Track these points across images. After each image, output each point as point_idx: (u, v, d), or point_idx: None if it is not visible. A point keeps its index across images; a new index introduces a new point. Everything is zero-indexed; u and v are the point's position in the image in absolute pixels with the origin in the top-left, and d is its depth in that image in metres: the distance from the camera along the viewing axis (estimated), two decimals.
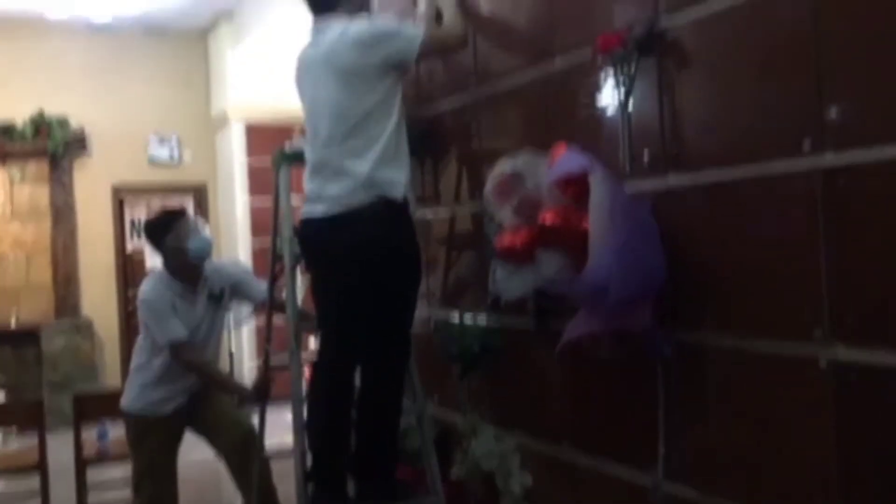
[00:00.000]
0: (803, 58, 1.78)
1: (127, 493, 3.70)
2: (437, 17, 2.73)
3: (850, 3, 1.70)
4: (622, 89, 2.21)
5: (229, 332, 5.33)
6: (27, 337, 7.55)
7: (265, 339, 3.47)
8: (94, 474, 4.35)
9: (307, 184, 2.69)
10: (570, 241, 2.10)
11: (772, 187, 1.87)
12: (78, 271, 7.93)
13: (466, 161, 3.05)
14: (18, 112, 7.66)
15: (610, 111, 2.31)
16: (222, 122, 8.07)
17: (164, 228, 3.46)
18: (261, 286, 3.52)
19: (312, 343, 4.18)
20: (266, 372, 3.43)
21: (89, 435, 4.42)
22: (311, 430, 2.72)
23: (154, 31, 8.02)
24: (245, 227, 7.87)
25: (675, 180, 2.12)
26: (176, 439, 3.53)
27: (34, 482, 4.21)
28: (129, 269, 8.22)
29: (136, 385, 3.48)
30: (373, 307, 2.60)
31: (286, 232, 2.97)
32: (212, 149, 8.41)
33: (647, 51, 2.14)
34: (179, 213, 3.61)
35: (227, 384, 3.79)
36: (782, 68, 1.84)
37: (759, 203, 1.91)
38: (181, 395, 3.45)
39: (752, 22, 1.91)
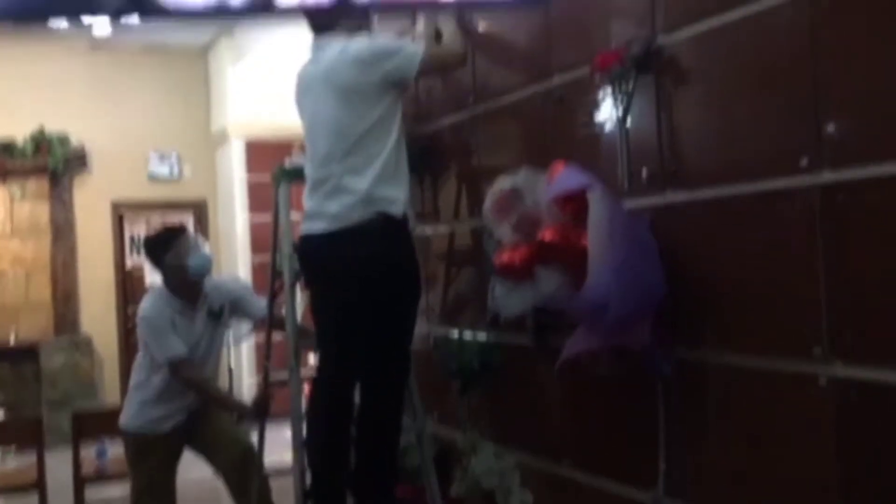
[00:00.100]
0: (800, 75, 1.79)
1: None
2: (437, 35, 2.74)
3: (846, 22, 1.71)
4: (620, 107, 2.22)
5: (228, 349, 5.33)
6: (26, 354, 7.53)
7: (264, 355, 3.47)
8: (92, 493, 4.33)
9: (307, 201, 2.69)
10: (570, 258, 2.10)
11: (770, 204, 1.88)
12: (77, 288, 7.92)
13: (466, 178, 3.06)
14: (19, 129, 7.68)
15: (608, 128, 2.32)
16: (222, 138, 8.09)
17: (163, 246, 3.46)
18: (260, 303, 3.52)
19: (312, 359, 4.17)
20: (265, 389, 3.42)
21: (88, 453, 4.40)
22: (311, 447, 2.71)
23: (154, 49, 8.05)
24: (245, 243, 7.87)
25: (673, 197, 2.13)
26: (175, 457, 3.52)
27: (33, 501, 4.18)
28: (128, 286, 8.21)
29: (135, 403, 3.47)
30: (372, 324, 2.60)
31: (286, 248, 2.98)
32: (212, 165, 8.42)
33: (645, 68, 2.15)
34: (179, 231, 3.62)
35: (226, 402, 3.79)
36: (779, 86, 1.85)
37: (757, 220, 1.92)
38: (180, 412, 3.44)
39: (749, 39, 1.92)
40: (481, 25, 2.86)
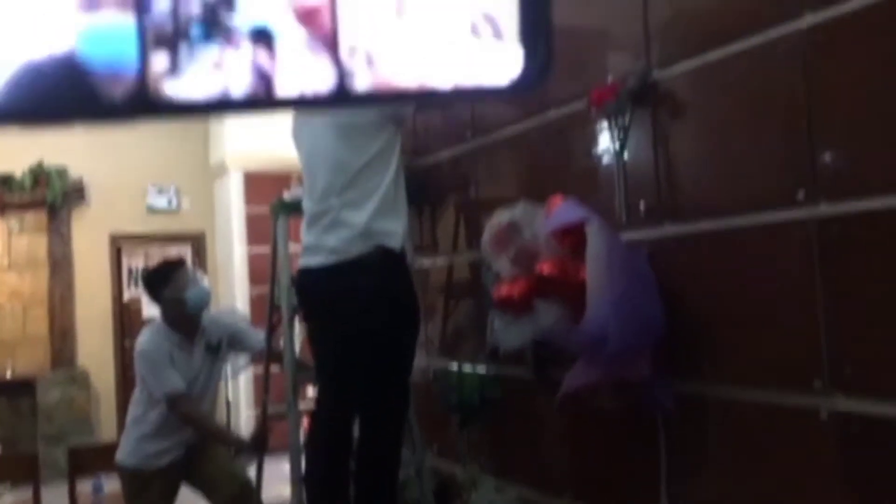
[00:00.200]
0: (795, 109, 1.81)
1: None
2: None
3: (840, 55, 1.73)
4: (617, 140, 2.23)
5: (226, 381, 5.31)
6: (23, 388, 7.49)
7: (263, 389, 3.45)
8: None
9: (305, 235, 2.70)
10: (568, 291, 2.11)
11: (767, 237, 1.88)
12: (74, 322, 7.90)
13: (464, 211, 3.07)
14: (17, 163, 7.70)
15: (605, 162, 2.33)
16: (221, 170, 8.12)
17: (162, 279, 3.46)
18: (258, 336, 3.51)
19: (311, 393, 4.16)
20: (264, 423, 3.40)
21: (84, 488, 4.35)
22: (310, 481, 2.69)
23: None
24: (243, 275, 7.86)
25: (671, 230, 2.14)
26: (172, 493, 3.49)
27: None
28: (125, 319, 8.20)
29: (132, 438, 3.45)
30: (371, 357, 2.59)
31: (284, 281, 2.98)
32: (210, 197, 8.44)
33: (641, 102, 2.17)
34: (178, 264, 3.62)
35: (224, 437, 3.77)
36: (775, 119, 1.87)
37: (755, 252, 1.92)
38: (178, 447, 3.42)
39: (745, 73, 1.94)
40: None
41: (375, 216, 2.56)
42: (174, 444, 3.41)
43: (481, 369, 2.94)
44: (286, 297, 2.96)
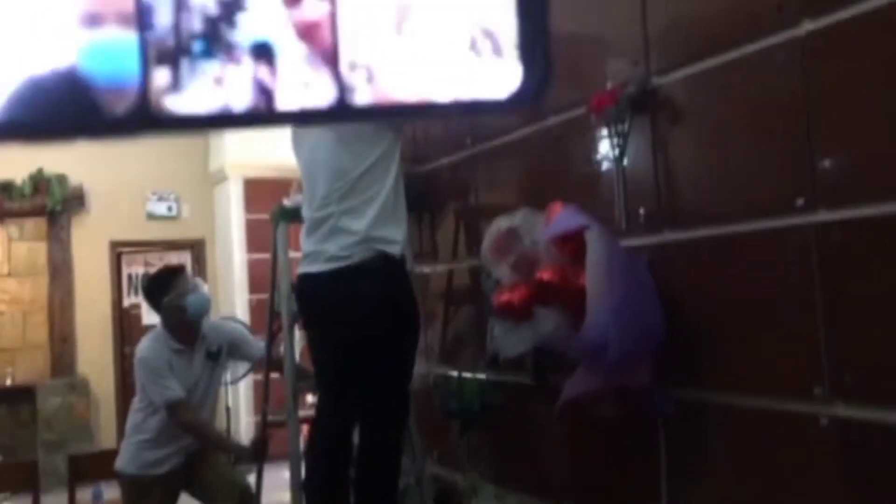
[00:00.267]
0: (794, 116, 1.81)
1: None
2: None
3: (838, 62, 1.74)
4: (616, 147, 2.23)
5: (226, 388, 5.31)
6: (22, 395, 7.49)
7: (263, 396, 3.45)
8: None
9: (304, 242, 2.70)
10: (568, 298, 2.10)
11: (767, 243, 1.89)
12: (74, 329, 7.90)
13: (464, 218, 3.07)
14: (17, 170, 7.71)
15: (605, 168, 2.33)
16: (220, 177, 8.12)
17: (162, 287, 3.46)
18: (258, 344, 3.51)
19: (311, 400, 4.15)
20: (263, 430, 3.40)
21: (84, 496, 4.35)
22: (309, 488, 2.69)
23: None
24: (242, 281, 7.86)
25: (670, 236, 2.14)
26: (172, 500, 3.48)
27: None
28: (125, 325, 8.20)
29: (132, 445, 3.45)
30: (371, 363, 2.59)
31: (284, 288, 2.98)
32: (210, 204, 8.45)
33: (641, 109, 2.17)
34: (178, 271, 3.62)
35: (224, 444, 3.76)
36: (774, 126, 1.87)
37: (755, 259, 1.92)
38: (178, 455, 3.41)
39: (744, 80, 1.94)
40: None
41: (375, 223, 2.56)
42: (174, 451, 3.41)
43: (481, 376, 2.94)
44: (286, 304, 2.96)
